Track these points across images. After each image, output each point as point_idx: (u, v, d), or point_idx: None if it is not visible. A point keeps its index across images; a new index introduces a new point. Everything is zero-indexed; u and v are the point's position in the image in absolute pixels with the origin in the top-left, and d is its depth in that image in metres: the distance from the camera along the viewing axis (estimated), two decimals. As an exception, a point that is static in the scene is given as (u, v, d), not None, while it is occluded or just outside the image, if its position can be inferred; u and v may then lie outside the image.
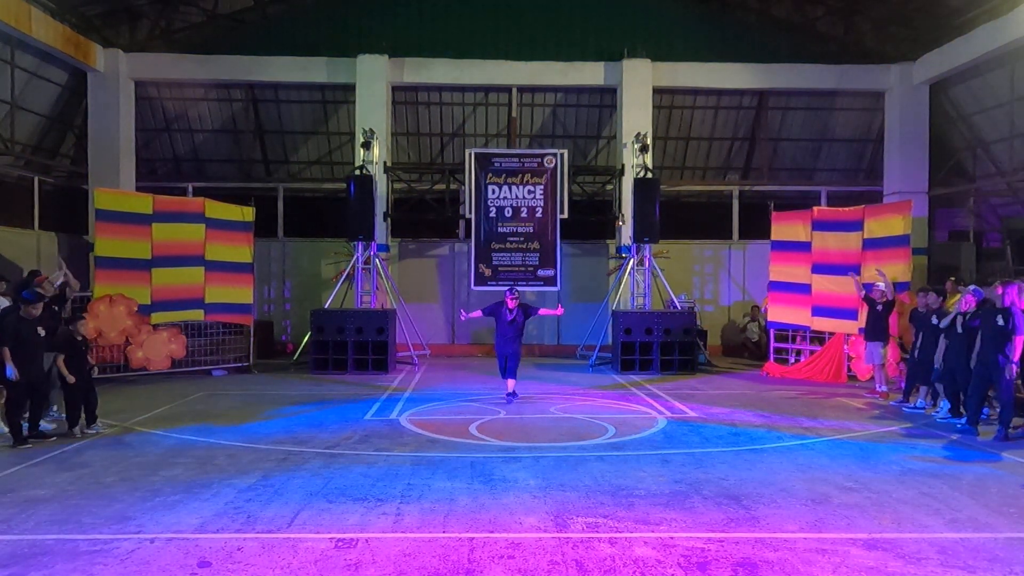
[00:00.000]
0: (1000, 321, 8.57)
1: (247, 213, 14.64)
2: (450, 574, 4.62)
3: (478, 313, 11.49)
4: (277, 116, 18.86)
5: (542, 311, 11.66)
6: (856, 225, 13.54)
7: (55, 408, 9.15)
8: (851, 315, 13.29)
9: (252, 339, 14.68)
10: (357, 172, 15.67)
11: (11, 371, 7.88)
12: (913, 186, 17.45)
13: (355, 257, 15.88)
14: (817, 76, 17.85)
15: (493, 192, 16.65)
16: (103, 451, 7.82)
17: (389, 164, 17.34)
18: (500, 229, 16.67)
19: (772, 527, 5.51)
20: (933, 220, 17.87)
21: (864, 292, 12.20)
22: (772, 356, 15.04)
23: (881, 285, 12.01)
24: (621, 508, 5.92)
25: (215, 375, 13.88)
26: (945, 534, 5.38)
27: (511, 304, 11.03)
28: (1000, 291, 8.70)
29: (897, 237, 12.91)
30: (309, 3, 18.10)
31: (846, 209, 14.27)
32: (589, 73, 17.78)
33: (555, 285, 16.85)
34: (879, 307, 11.88)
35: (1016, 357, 8.50)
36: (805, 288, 14.13)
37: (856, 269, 13.27)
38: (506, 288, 11.56)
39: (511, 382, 11.23)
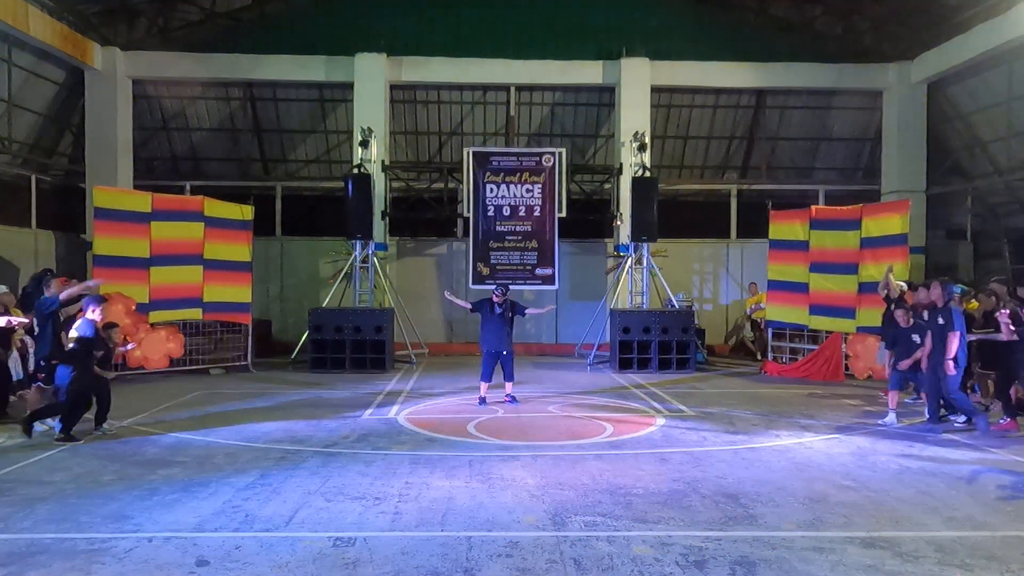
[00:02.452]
0: (941, 320, 8.84)
1: (246, 212, 14.63)
2: (448, 573, 4.62)
3: (466, 304, 11.13)
4: (275, 115, 18.84)
5: (530, 311, 11.24)
6: (854, 224, 13.56)
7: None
8: (849, 314, 13.31)
9: (250, 338, 14.67)
10: (355, 171, 15.66)
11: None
12: (911, 185, 17.49)
13: (353, 256, 15.87)
14: (815, 75, 17.87)
15: (491, 191, 16.65)
16: (101, 450, 7.81)
17: (387, 163, 17.34)
18: (498, 228, 16.67)
19: (770, 525, 5.52)
20: (931, 219, 17.90)
21: (886, 291, 11.72)
22: (770, 355, 15.07)
23: (904, 284, 11.80)
24: (619, 507, 5.93)
25: (213, 374, 13.88)
26: (942, 532, 5.39)
27: (497, 299, 10.78)
28: (937, 291, 8.98)
29: (895, 236, 12.94)
30: (307, 2, 18.10)
31: (844, 208, 14.29)
32: (587, 72, 17.78)
33: (553, 284, 16.85)
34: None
35: (951, 354, 8.65)
36: (803, 287, 14.15)
37: (854, 268, 13.29)
38: (496, 288, 11.06)
39: (509, 385, 10.95)
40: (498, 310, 10.76)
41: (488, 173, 16.66)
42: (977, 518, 5.73)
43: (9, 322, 8.18)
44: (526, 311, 11.12)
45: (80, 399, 8.20)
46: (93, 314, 8.33)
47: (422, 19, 17.84)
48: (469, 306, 11.22)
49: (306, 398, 11.34)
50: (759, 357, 16.03)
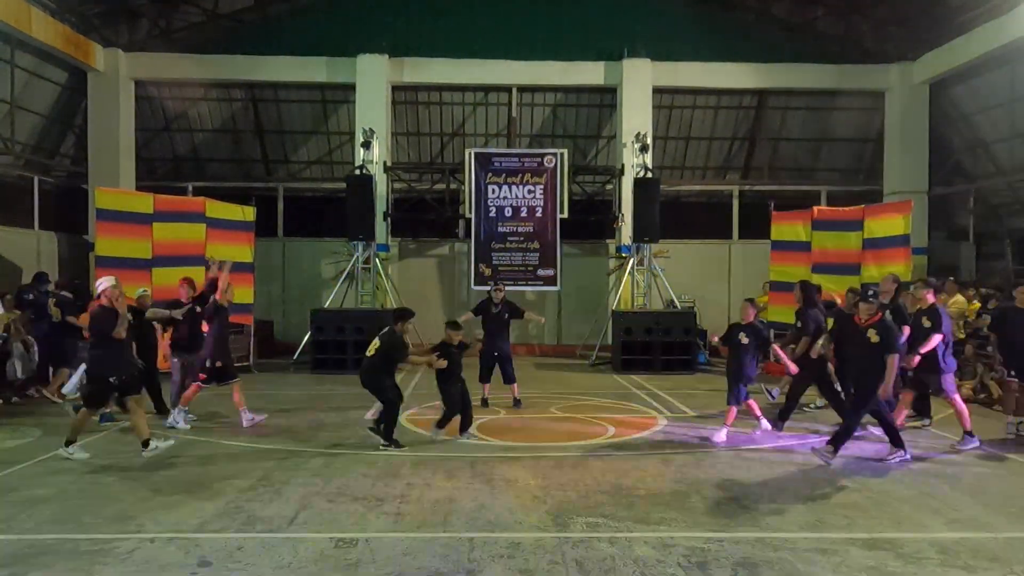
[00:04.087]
0: (799, 324, 9.16)
1: (248, 213, 14.63)
2: (450, 573, 4.62)
3: (469, 315, 10.93)
4: (277, 116, 18.86)
5: (528, 314, 11.13)
6: (856, 225, 13.55)
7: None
8: (851, 315, 13.29)
9: (252, 338, 14.67)
10: (357, 172, 15.67)
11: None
12: (913, 186, 17.46)
13: (355, 257, 15.88)
14: (817, 76, 17.85)
15: (493, 192, 16.65)
16: (103, 450, 7.82)
17: (389, 164, 17.34)
18: (500, 229, 16.66)
19: (772, 526, 5.51)
20: (933, 220, 17.87)
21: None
22: (771, 356, 15.05)
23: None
24: (621, 508, 5.93)
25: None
26: (945, 534, 5.39)
27: (496, 297, 10.72)
28: (797, 292, 9.57)
29: (897, 237, 12.93)
30: (309, 3, 18.10)
31: (846, 209, 14.28)
32: (589, 73, 17.78)
33: (555, 285, 16.84)
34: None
35: (797, 354, 8.96)
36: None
37: (856, 269, 13.28)
38: (492, 286, 11.10)
39: (515, 387, 10.75)
40: (494, 310, 10.73)
41: (490, 174, 16.65)
42: (980, 519, 5.73)
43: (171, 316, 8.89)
44: (524, 314, 11.02)
45: (395, 406, 8.15)
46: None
47: (424, 20, 17.85)
48: (472, 315, 10.93)
49: (308, 398, 11.34)
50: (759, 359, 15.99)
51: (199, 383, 9.15)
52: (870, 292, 7.58)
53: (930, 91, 17.58)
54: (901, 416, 8.64)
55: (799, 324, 9.26)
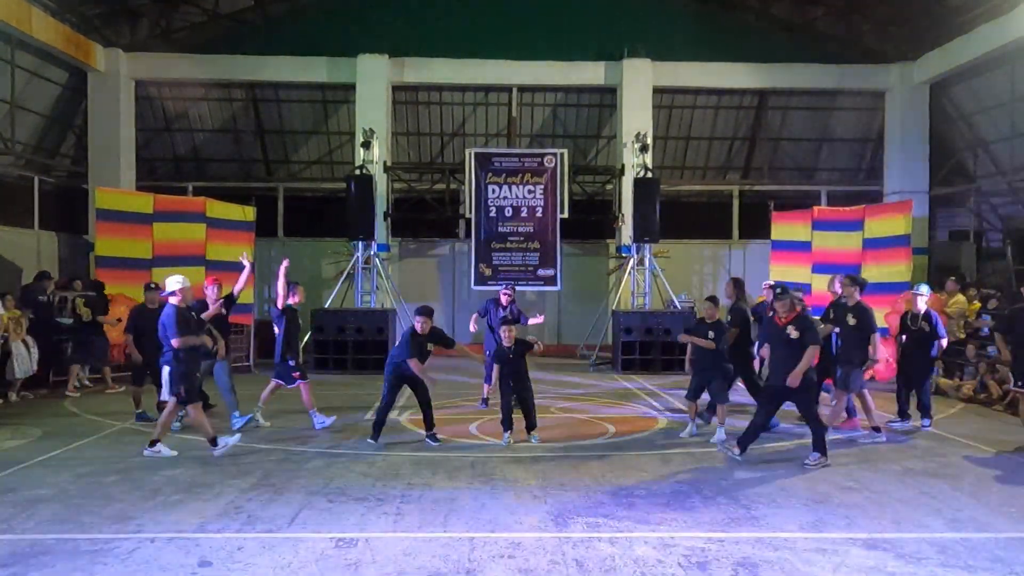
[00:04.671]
0: (730, 317, 9.40)
1: (248, 213, 14.63)
2: (450, 574, 4.62)
3: (474, 317, 11.03)
4: (277, 116, 18.85)
5: (532, 320, 10.79)
6: (856, 225, 13.55)
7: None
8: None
9: (252, 339, 14.67)
10: (357, 172, 15.67)
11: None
12: (913, 186, 17.45)
13: (355, 257, 15.88)
14: (817, 76, 17.84)
15: (493, 192, 16.64)
16: (104, 450, 7.83)
17: (389, 164, 17.33)
18: (500, 229, 16.66)
19: (772, 527, 5.51)
20: (933, 220, 17.87)
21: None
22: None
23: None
24: (621, 508, 5.93)
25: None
26: (945, 534, 5.39)
27: (504, 300, 10.68)
28: (728, 287, 9.88)
29: (897, 237, 12.93)
30: (309, 3, 18.08)
31: (846, 209, 14.28)
32: (589, 73, 17.77)
33: (555, 285, 16.83)
34: None
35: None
36: (805, 288, 14.12)
37: (856, 269, 13.27)
38: (502, 285, 11.05)
39: None
40: (502, 312, 10.69)
41: (490, 174, 16.64)
42: (980, 520, 5.73)
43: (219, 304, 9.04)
44: (529, 321, 10.82)
45: (385, 403, 8.36)
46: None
47: (424, 20, 17.83)
48: (476, 318, 10.98)
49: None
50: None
51: (303, 382, 9.28)
52: (778, 289, 7.61)
53: (930, 91, 17.56)
54: (854, 419, 8.83)
55: (730, 317, 9.38)
